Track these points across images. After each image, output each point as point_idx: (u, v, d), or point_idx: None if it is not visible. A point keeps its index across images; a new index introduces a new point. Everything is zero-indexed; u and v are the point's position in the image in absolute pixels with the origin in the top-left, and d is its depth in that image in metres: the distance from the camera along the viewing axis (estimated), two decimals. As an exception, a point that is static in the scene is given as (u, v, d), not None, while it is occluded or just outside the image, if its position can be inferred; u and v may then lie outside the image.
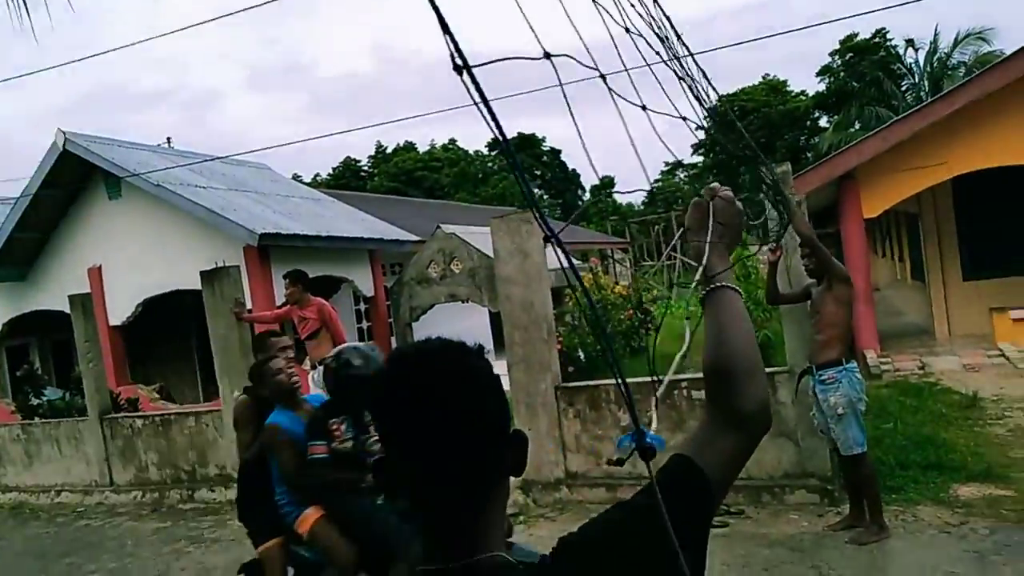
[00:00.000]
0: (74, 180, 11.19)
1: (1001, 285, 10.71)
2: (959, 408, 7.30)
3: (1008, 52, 10.62)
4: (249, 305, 8.06)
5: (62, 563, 6.33)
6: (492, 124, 0.68)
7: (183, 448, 7.97)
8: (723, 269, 1.13)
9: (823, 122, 35.84)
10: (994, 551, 4.15)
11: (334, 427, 3.32)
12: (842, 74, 34.33)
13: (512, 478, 0.97)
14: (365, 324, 13.08)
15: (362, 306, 13.12)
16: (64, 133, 10.86)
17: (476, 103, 0.66)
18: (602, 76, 0.99)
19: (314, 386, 6.98)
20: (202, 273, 7.60)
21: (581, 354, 11.51)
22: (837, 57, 35.41)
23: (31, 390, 10.84)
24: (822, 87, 36.63)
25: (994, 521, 4.52)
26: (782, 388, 5.24)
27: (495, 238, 6.08)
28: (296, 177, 31.67)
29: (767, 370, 4.75)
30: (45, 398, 10.71)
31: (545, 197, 46.31)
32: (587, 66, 0.96)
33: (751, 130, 36.15)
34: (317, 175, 44.68)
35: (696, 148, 39.76)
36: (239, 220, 9.86)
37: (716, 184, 1.19)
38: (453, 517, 0.89)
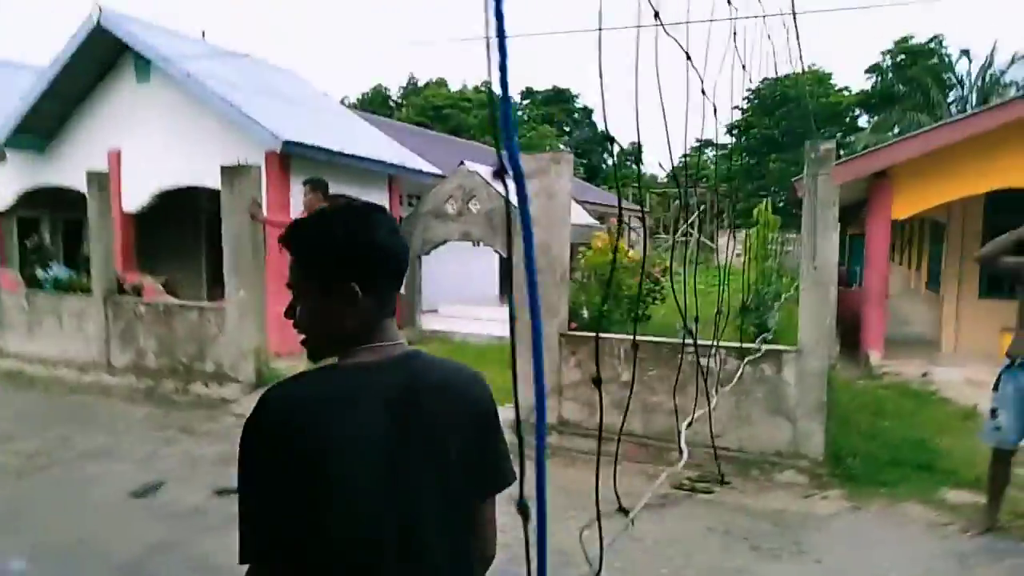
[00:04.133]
0: (105, 58, 11.02)
1: (1014, 306, 10.62)
2: (957, 419, 7.26)
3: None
4: (264, 212, 7.99)
5: (54, 432, 6.40)
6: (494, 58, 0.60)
7: (183, 340, 8.01)
8: None
9: (863, 121, 35.24)
10: (973, 554, 4.16)
11: None
12: (890, 75, 33.61)
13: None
14: (375, 250, 13.03)
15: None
16: (100, 8, 10.65)
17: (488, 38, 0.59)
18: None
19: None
20: (223, 168, 7.53)
21: (585, 312, 11.49)
22: (888, 57, 34.61)
23: (38, 261, 10.86)
24: (868, 85, 35.91)
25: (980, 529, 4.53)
26: (787, 367, 5.21)
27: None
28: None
29: (775, 347, 4.66)
30: (52, 273, 10.74)
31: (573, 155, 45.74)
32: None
33: (789, 119, 35.57)
34: (345, 98, 44.12)
35: (730, 129, 39.18)
36: (265, 123, 9.72)
37: None
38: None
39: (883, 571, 3.96)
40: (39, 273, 10.56)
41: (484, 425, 1.32)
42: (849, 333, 11.27)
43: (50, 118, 11.45)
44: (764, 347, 5.28)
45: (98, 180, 8.66)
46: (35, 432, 6.40)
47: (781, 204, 28.87)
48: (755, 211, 10.99)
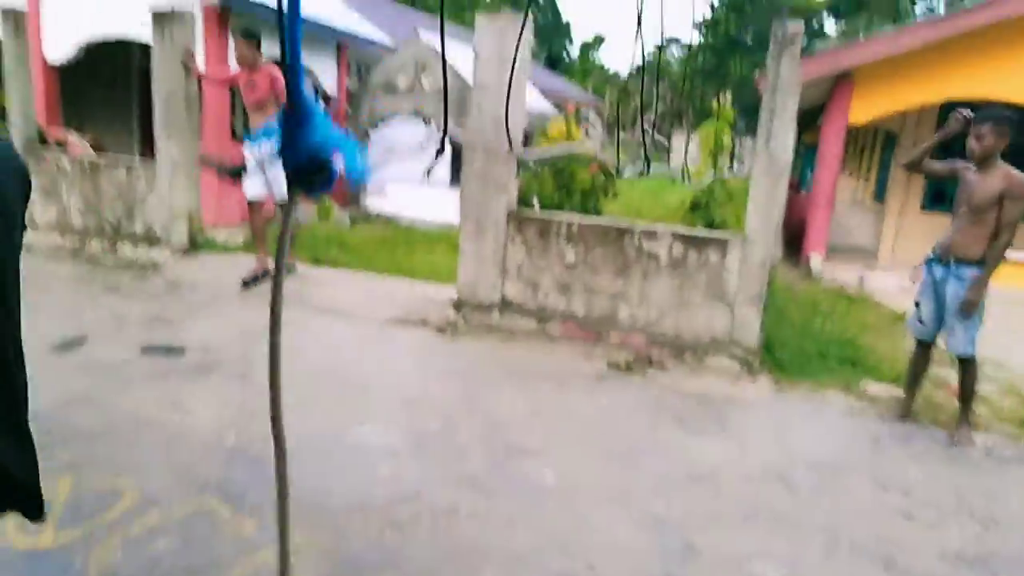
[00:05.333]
0: None
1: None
2: (886, 322, 7.50)
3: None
4: (201, 70, 7.43)
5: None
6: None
7: (111, 199, 7.57)
8: None
9: (830, 27, 34.72)
10: (885, 437, 4.34)
11: None
12: (862, -19, 32.98)
13: None
14: (322, 124, 12.41)
15: (320, 105, 12.41)
16: None
17: None
18: None
19: (250, 156, 6.62)
20: (155, 14, 6.91)
21: (536, 204, 11.32)
22: (862, -38, 33.81)
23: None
24: (839, -9, 35.17)
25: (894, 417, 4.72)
26: (731, 254, 5.19)
27: (478, 37, 5.62)
28: (273, -43, 29.01)
29: (721, 233, 4.61)
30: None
31: (532, 42, 44.25)
32: None
33: (757, 17, 34.73)
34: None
35: (698, 27, 38.20)
36: (203, -27, 8.92)
37: None
38: None
39: (800, 447, 4.09)
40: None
41: (25, 196, 1.25)
42: (794, 239, 11.44)
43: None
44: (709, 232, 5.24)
45: (15, 19, 7.89)
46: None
47: (737, 107, 28.73)
48: (714, 105, 10.80)
